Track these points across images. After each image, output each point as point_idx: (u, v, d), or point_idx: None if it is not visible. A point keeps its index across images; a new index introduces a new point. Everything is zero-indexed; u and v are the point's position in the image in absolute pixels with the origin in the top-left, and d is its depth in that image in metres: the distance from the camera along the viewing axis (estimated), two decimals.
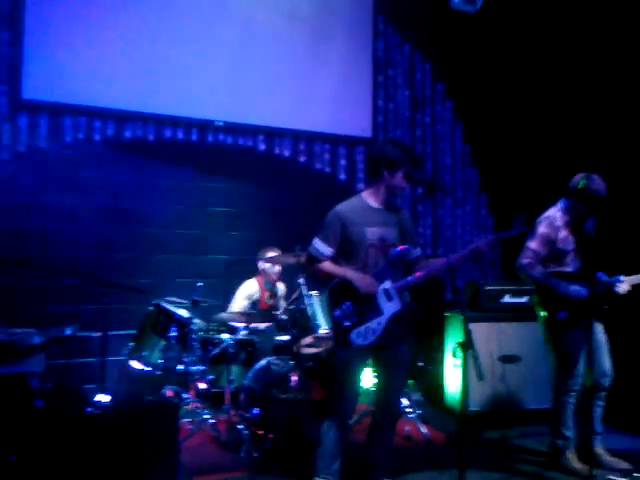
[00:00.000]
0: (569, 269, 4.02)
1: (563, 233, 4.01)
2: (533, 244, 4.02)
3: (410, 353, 3.60)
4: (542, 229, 4.03)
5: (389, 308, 3.37)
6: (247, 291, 5.40)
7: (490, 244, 3.36)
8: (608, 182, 3.98)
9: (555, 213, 4.08)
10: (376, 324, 3.34)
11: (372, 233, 3.40)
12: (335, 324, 3.40)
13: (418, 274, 3.43)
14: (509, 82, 6.60)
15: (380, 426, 3.54)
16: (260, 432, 4.11)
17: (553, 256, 4.03)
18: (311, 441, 3.60)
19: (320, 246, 3.42)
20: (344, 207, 3.46)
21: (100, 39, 5.28)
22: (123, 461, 3.32)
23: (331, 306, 3.40)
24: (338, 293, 3.39)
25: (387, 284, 3.38)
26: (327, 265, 3.44)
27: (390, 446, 3.57)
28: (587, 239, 4.05)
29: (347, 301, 3.35)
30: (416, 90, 6.79)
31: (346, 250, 3.43)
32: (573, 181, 4.02)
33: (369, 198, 3.49)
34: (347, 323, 3.33)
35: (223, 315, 4.94)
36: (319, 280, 4.01)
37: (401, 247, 3.43)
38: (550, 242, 4.00)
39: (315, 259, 3.45)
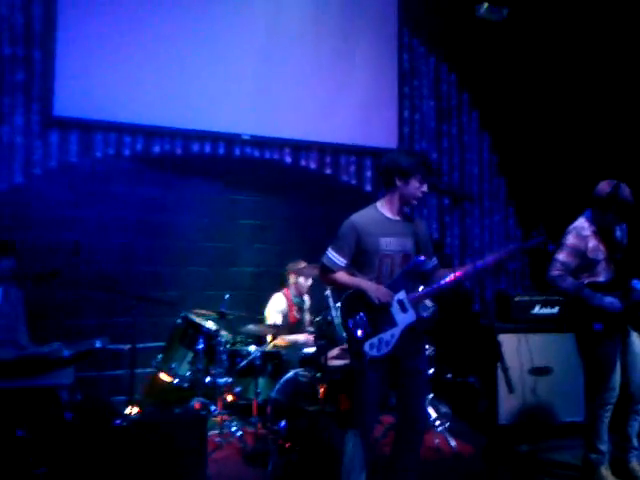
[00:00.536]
0: (601, 279, 3.94)
1: (592, 243, 3.95)
2: (561, 255, 3.96)
3: (427, 363, 3.56)
4: (570, 240, 3.97)
5: (403, 319, 3.33)
6: (278, 307, 5.40)
7: (509, 255, 3.32)
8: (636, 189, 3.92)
9: (582, 223, 4.02)
10: (389, 336, 3.30)
11: (387, 243, 3.37)
12: (348, 335, 3.36)
13: (434, 286, 3.41)
14: (535, 92, 6.54)
15: (404, 439, 3.47)
16: (287, 444, 4.11)
17: (584, 266, 3.96)
18: (338, 453, 3.58)
19: (334, 256, 3.40)
20: (359, 217, 3.44)
21: (129, 57, 5.38)
22: (151, 473, 3.35)
23: (344, 317, 3.36)
24: (352, 304, 3.36)
25: (402, 295, 3.34)
26: (341, 275, 3.42)
27: (417, 459, 3.49)
28: (618, 247, 3.99)
29: (360, 312, 3.32)
30: (442, 101, 6.77)
31: (360, 261, 3.41)
32: (597, 190, 3.96)
33: (383, 208, 3.47)
34: (360, 334, 3.29)
35: (251, 327, 4.96)
36: (334, 290, 4.00)
37: (416, 258, 3.41)
38: (579, 253, 3.94)
39: (329, 269, 3.43)
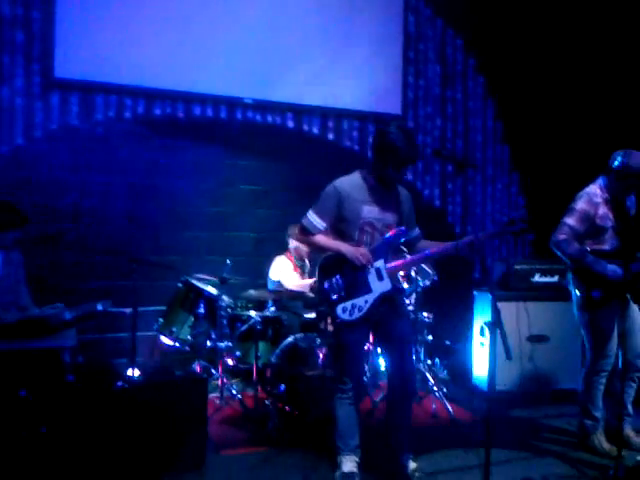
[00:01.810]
0: (606, 247, 3.93)
1: (602, 210, 3.92)
2: (570, 220, 3.93)
3: (409, 327, 3.62)
4: (580, 205, 3.94)
5: (378, 287, 3.36)
6: (283, 267, 5.43)
7: (489, 237, 3.37)
8: None
9: (595, 189, 3.98)
10: (363, 301, 3.33)
11: (368, 211, 3.39)
12: (322, 297, 3.39)
13: (409, 258, 3.45)
14: (542, 57, 6.45)
15: (395, 404, 3.53)
16: (286, 408, 4.17)
17: (590, 233, 3.94)
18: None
19: (314, 218, 3.41)
20: (343, 182, 3.43)
21: (130, 17, 5.30)
22: (152, 434, 3.41)
23: (320, 278, 3.39)
24: (329, 266, 3.38)
25: (379, 263, 3.36)
26: (320, 238, 3.43)
27: (408, 422, 3.55)
28: (626, 217, 3.96)
29: (337, 274, 3.35)
30: (447, 66, 6.68)
31: (341, 228, 3.42)
32: (612, 158, 3.92)
33: (368, 176, 3.46)
34: (334, 296, 3.33)
35: (252, 292, 4.98)
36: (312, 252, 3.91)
37: (397, 228, 3.43)
38: (588, 218, 3.92)
39: (307, 231, 3.44)
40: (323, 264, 3.42)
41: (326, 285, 3.36)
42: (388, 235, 3.40)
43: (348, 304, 3.33)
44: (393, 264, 3.41)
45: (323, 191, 3.44)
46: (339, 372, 3.48)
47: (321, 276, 3.40)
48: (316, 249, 3.55)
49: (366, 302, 3.34)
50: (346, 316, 3.32)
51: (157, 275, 4.93)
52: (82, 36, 5.15)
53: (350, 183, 3.43)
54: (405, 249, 3.67)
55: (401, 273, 4.53)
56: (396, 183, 3.51)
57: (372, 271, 3.36)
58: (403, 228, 3.44)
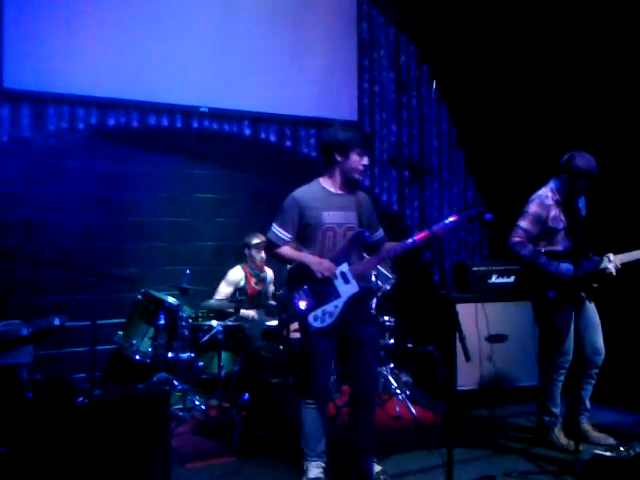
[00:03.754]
0: (559, 248, 4.04)
1: (554, 212, 4.03)
2: (524, 223, 4.04)
3: (376, 333, 3.65)
4: (533, 208, 4.06)
5: (346, 291, 3.41)
6: (232, 278, 5.40)
7: (447, 227, 3.28)
8: (600, 161, 3.98)
9: (546, 192, 4.10)
10: (333, 307, 3.39)
11: (329, 217, 3.45)
12: (293, 308, 3.44)
13: (372, 257, 3.50)
14: (495, 62, 6.59)
15: (358, 407, 3.57)
16: (251, 417, 4.15)
17: (543, 235, 4.05)
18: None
19: (278, 231, 3.47)
20: (300, 192, 3.50)
21: (82, 27, 5.21)
22: (115, 450, 3.35)
23: (289, 290, 3.46)
24: (296, 277, 3.45)
25: (344, 267, 3.42)
26: (285, 250, 3.49)
27: (371, 426, 3.59)
28: (577, 218, 4.05)
29: (304, 285, 3.40)
30: (402, 72, 6.76)
31: (304, 235, 3.48)
32: (563, 159, 4.03)
33: (326, 183, 3.53)
34: (304, 307, 3.38)
35: (212, 302, 4.95)
36: (279, 264, 4.03)
37: (359, 230, 3.49)
38: (541, 221, 4.03)
39: (274, 244, 3.49)
40: (290, 276, 3.48)
41: (295, 296, 3.40)
42: (349, 238, 3.45)
43: (319, 312, 3.37)
44: (358, 266, 3.46)
45: (283, 204, 3.49)
46: (307, 379, 3.49)
47: (289, 287, 3.46)
48: (283, 261, 3.60)
49: (336, 307, 3.38)
50: (318, 324, 3.37)
51: (115, 287, 4.86)
52: (32, 46, 5.04)
53: (308, 192, 3.50)
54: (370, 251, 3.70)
55: None
56: (356, 186, 3.56)
57: (338, 276, 3.40)
58: (365, 230, 3.49)
